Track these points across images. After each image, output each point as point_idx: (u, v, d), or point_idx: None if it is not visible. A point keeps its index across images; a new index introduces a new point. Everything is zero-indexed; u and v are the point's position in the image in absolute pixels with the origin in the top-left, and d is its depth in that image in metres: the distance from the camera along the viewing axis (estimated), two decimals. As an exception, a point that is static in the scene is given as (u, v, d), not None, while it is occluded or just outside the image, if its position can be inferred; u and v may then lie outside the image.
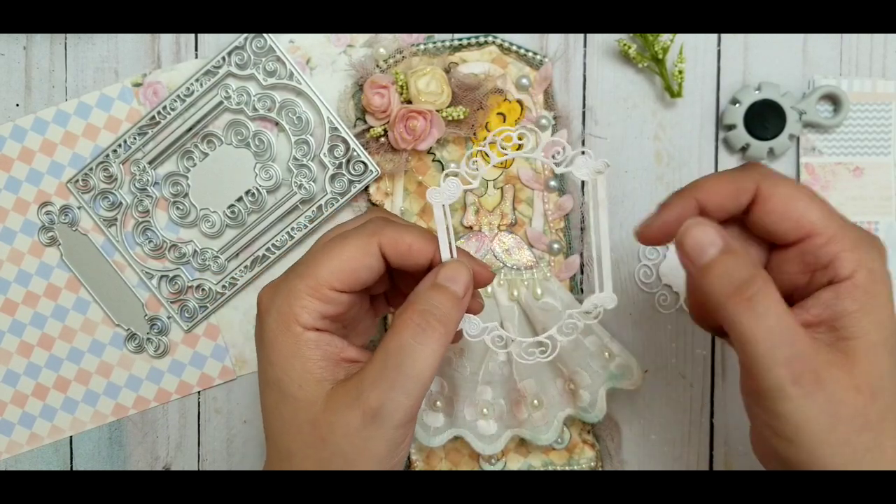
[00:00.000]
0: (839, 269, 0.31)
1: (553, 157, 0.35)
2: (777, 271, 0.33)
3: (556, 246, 0.46)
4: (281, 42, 0.46)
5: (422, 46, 0.46)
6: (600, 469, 0.47)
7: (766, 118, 0.45)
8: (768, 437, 0.31)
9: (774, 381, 0.29)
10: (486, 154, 0.35)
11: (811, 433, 0.29)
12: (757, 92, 0.45)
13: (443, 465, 0.47)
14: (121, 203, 0.47)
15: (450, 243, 0.35)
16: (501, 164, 0.37)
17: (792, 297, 0.32)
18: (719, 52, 0.46)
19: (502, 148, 0.35)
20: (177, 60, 0.47)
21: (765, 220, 0.32)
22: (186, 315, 0.47)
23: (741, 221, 0.33)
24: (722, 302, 0.30)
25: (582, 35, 0.46)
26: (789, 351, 0.29)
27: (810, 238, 0.31)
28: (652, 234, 0.34)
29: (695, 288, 0.35)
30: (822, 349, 0.30)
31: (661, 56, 0.44)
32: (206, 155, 0.47)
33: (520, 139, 0.35)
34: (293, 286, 0.33)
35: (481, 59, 0.45)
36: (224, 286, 0.47)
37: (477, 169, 0.34)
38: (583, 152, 0.34)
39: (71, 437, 0.48)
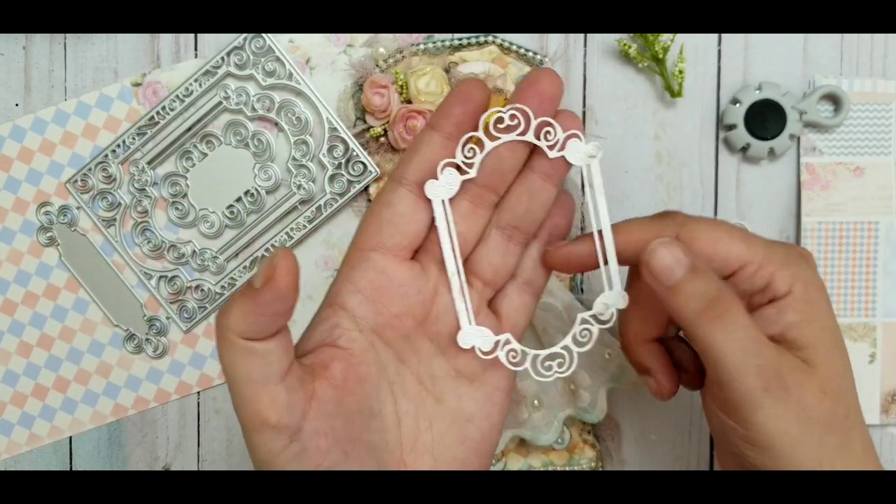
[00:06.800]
0: (777, 289, 0.32)
1: (545, 138, 0.32)
2: None
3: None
4: (280, 42, 0.46)
5: (422, 46, 0.46)
6: (600, 469, 0.47)
7: (766, 118, 0.45)
8: (743, 450, 0.31)
9: (747, 392, 0.30)
10: (481, 140, 0.32)
11: (786, 439, 0.30)
12: (757, 92, 0.45)
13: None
14: (119, 203, 0.47)
15: (453, 246, 0.32)
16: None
17: None
18: (719, 51, 0.46)
19: (495, 131, 0.32)
20: (176, 60, 0.47)
21: None
22: (185, 315, 0.47)
23: None
24: (693, 320, 0.31)
25: (582, 35, 0.46)
26: (758, 361, 0.30)
27: (742, 269, 0.32)
28: (555, 260, 0.34)
29: (629, 318, 0.35)
30: (787, 357, 0.31)
31: (661, 56, 0.44)
32: (205, 155, 0.47)
33: (512, 120, 0.32)
34: None
35: (481, 58, 0.45)
36: (223, 286, 0.47)
37: (473, 156, 0.32)
38: (575, 135, 0.32)
39: (70, 437, 0.48)
